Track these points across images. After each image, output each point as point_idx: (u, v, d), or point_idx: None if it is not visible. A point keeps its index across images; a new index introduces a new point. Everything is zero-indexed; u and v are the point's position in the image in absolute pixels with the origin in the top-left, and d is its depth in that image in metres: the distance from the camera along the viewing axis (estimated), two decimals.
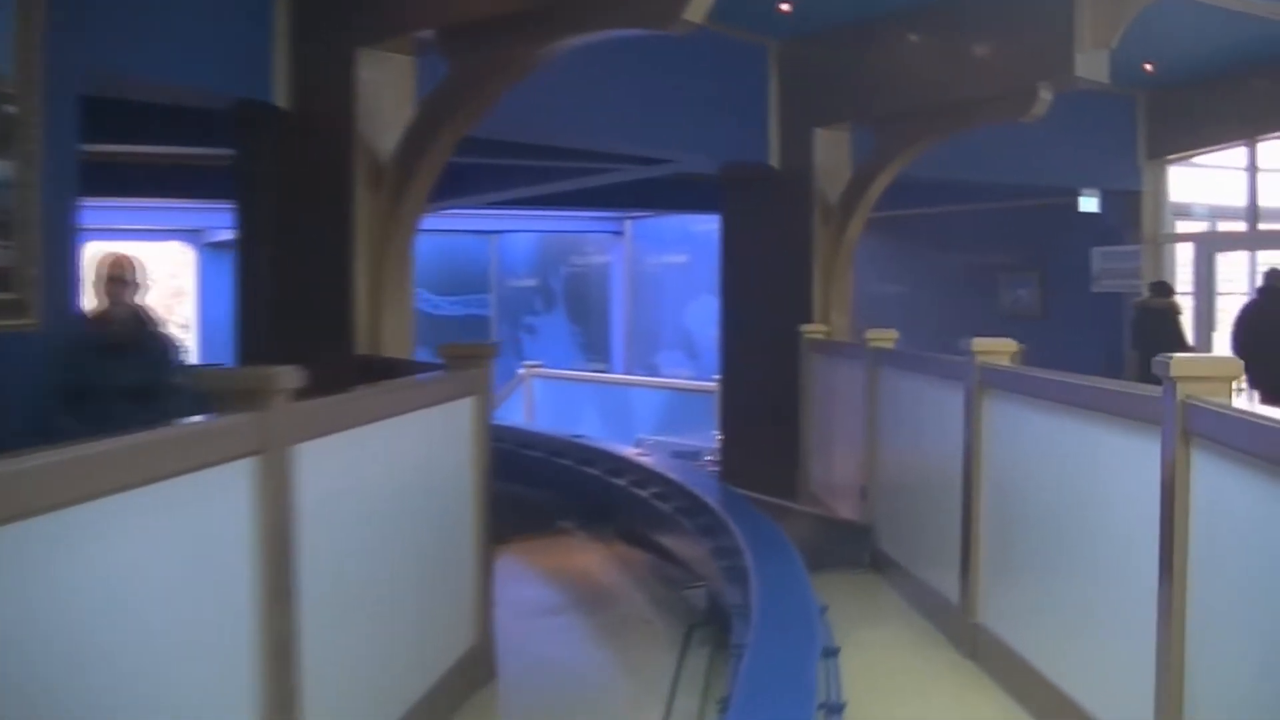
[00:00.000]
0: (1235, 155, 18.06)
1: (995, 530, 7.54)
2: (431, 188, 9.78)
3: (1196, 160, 18.20)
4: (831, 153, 13.78)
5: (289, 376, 4.53)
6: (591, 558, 10.96)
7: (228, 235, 25.33)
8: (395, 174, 9.54)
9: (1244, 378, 14.71)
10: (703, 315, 24.34)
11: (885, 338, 10.46)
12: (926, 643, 8.30)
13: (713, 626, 8.08)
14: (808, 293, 13.54)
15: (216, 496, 4.15)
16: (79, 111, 7.82)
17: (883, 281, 21.27)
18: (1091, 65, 11.06)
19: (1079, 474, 6.27)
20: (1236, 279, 18.48)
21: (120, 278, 7.63)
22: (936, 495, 8.54)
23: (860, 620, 8.67)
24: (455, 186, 17.90)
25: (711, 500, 9.27)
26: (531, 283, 30.47)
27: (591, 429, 22.56)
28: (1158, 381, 4.96)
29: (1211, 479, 4.71)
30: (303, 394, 4.77)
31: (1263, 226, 17.43)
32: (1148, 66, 16.07)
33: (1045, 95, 11.39)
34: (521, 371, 25.24)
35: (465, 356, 7.30)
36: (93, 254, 8.14)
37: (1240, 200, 18.24)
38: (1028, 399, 6.98)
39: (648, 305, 27.45)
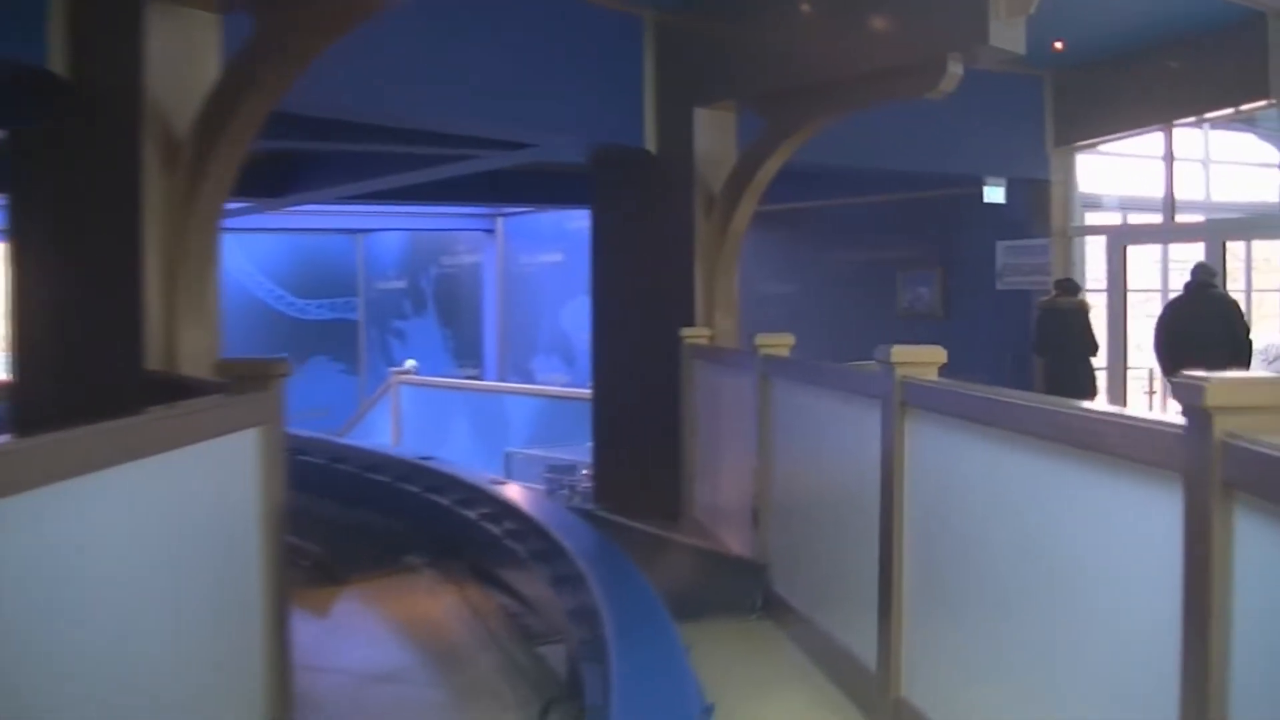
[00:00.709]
0: (1146, 143, 16.78)
1: (922, 578, 6.04)
2: (236, 167, 8.28)
3: (1108, 148, 16.84)
4: (714, 135, 12.33)
5: None
6: (438, 603, 9.38)
7: None
8: (193, 150, 7.97)
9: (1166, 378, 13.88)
10: (580, 318, 22.86)
11: (778, 344, 8.95)
12: (834, 716, 6.80)
13: (574, 703, 6.53)
14: (689, 292, 12.07)
15: None
16: None
17: (771, 281, 19.99)
18: (1007, 35, 9.59)
19: (1038, 516, 4.84)
20: (1149, 275, 17.26)
21: None
22: (847, 530, 7.11)
23: (750, 684, 7.22)
24: (307, 178, 16.45)
25: (570, 545, 7.72)
26: (400, 284, 29.42)
27: (462, 439, 21.90)
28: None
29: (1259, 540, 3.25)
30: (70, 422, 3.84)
31: (1180, 219, 16.10)
32: (1058, 44, 14.72)
33: (955, 69, 9.85)
34: (389, 378, 24.14)
35: (250, 376, 5.68)
36: None
37: (1152, 191, 17.00)
38: (966, 423, 5.48)
39: (522, 307, 26.08)
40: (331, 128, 12.31)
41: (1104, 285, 16.45)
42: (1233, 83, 14.49)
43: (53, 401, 8.15)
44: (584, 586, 6.85)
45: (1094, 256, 17.00)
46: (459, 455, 20.98)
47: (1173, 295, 14.56)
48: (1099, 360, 15.15)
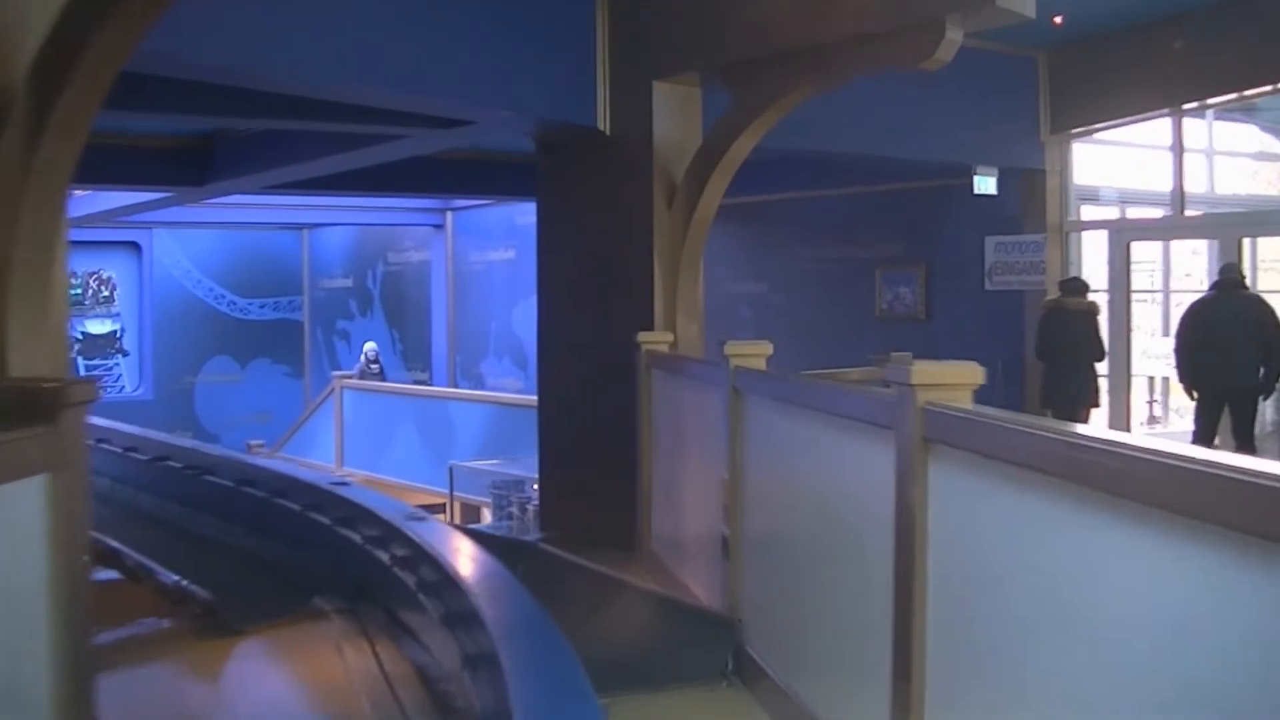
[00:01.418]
0: (1144, 131, 15.39)
1: (952, 647, 4.52)
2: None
3: (1107, 136, 15.41)
4: (676, 113, 10.85)
5: None
6: (340, 665, 7.83)
7: None
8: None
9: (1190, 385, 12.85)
10: (533, 319, 21.00)
11: (752, 353, 7.41)
12: None
13: None
14: (647, 292, 10.60)
15: None
16: None
17: (736, 280, 18.64)
18: None
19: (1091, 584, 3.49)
20: (1151, 275, 15.93)
21: None
22: (844, 580, 5.64)
23: None
24: (228, 164, 15.02)
25: (489, 613, 6.18)
26: (346, 283, 28.25)
27: (408, 449, 20.64)
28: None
29: None
30: None
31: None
32: (1056, 19, 13.31)
33: (954, 35, 8.33)
34: (332, 382, 23.04)
35: (32, 405, 4.13)
36: None
37: (1151, 183, 15.62)
38: (1008, 465, 3.99)
39: (472, 308, 24.59)
40: (244, 102, 10.81)
41: (1106, 285, 15.00)
42: (1245, 64, 13.10)
43: None
44: (497, 669, 5.32)
45: (1090, 254, 15.59)
46: (405, 466, 20.43)
47: (1197, 295, 13.29)
48: (1101, 367, 13.78)
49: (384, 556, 7.84)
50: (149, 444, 12.77)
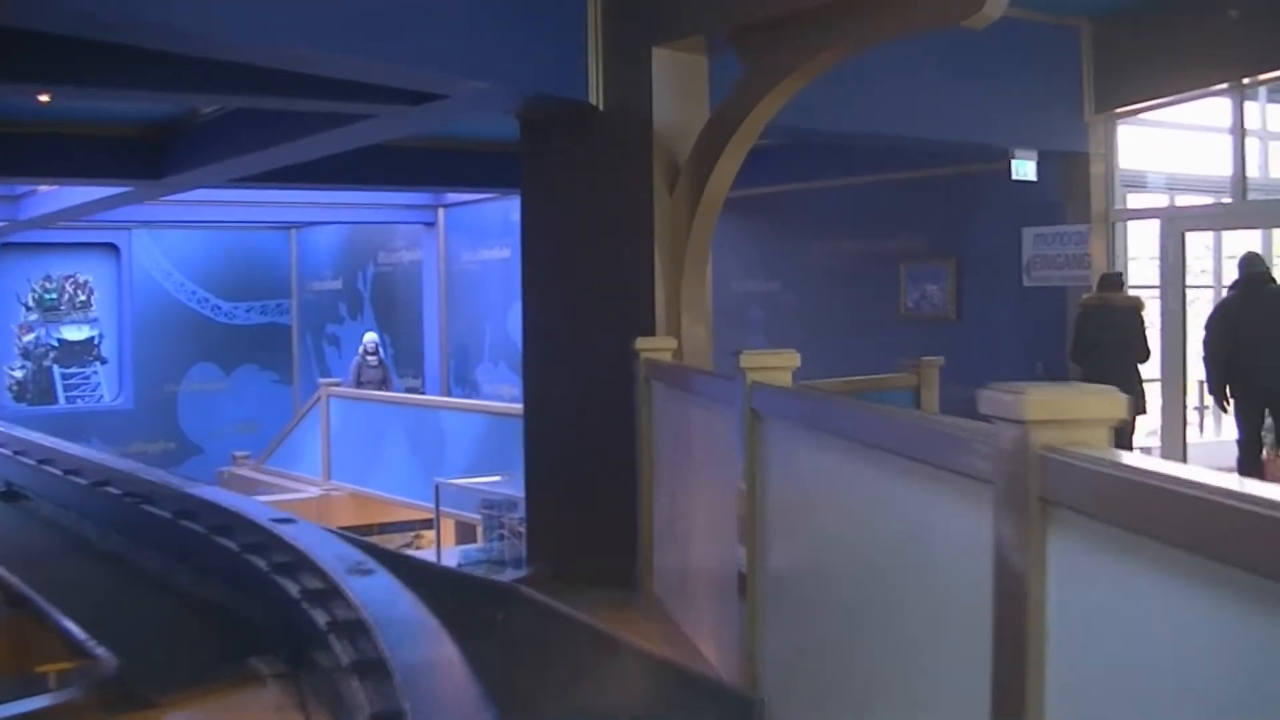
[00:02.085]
0: (1193, 111, 13.98)
1: None
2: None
3: (1154, 117, 13.96)
4: (679, 84, 9.38)
5: None
6: None
7: None
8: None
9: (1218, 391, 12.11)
10: None
11: (775, 365, 5.91)
12: None
13: None
14: (646, 291, 9.16)
15: None
16: None
17: (745, 278, 17.18)
18: None
19: None
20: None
21: None
22: (910, 663, 4.23)
23: None
24: (184, 154, 13.72)
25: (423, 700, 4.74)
26: (336, 285, 27.06)
27: (397, 462, 19.40)
28: None
29: None
30: None
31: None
32: None
33: None
34: (319, 390, 21.71)
35: None
36: None
37: (1204, 169, 14.22)
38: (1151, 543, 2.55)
39: (465, 310, 23.22)
40: (193, 75, 9.47)
41: (1159, 280, 13.59)
42: None
43: None
44: None
45: (1134, 247, 14.19)
46: (394, 480, 19.20)
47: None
48: (1147, 370, 12.49)
49: (321, 618, 6.43)
50: (90, 467, 11.58)
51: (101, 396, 26.88)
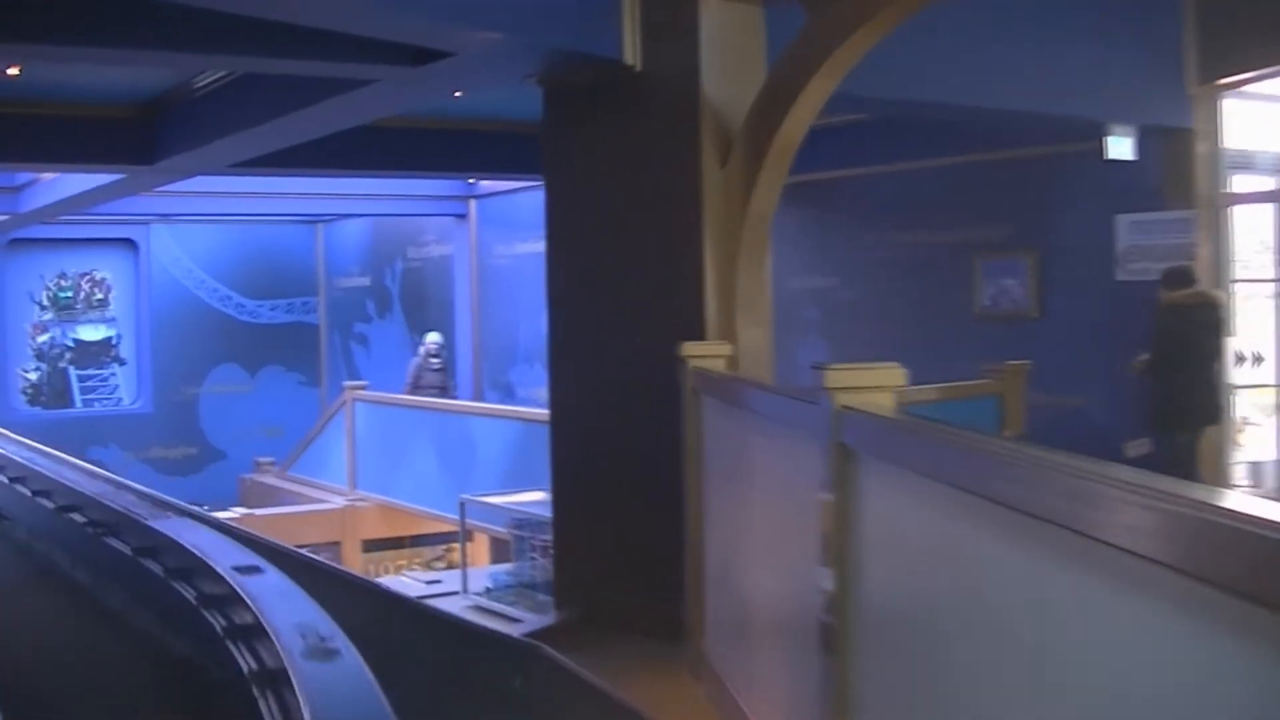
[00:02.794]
0: None
1: None
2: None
3: (1266, 88, 12.47)
4: (731, 40, 8.01)
5: None
6: None
7: None
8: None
9: None
10: None
11: (870, 383, 4.36)
12: None
13: None
14: (693, 285, 7.72)
15: None
16: None
17: (802, 273, 15.67)
18: None
19: None
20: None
21: None
22: None
23: None
24: (176, 134, 12.45)
25: None
26: (364, 281, 25.64)
27: (424, 472, 18.20)
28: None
29: None
30: None
31: None
32: None
33: None
34: (343, 394, 20.57)
35: None
36: None
37: None
38: None
39: (499, 307, 21.87)
40: (169, 29, 8.16)
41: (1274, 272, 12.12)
42: None
43: None
44: None
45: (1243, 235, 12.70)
46: (420, 490, 18.04)
47: None
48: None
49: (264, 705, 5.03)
50: (60, 489, 10.35)
51: (120, 399, 25.76)
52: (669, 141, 7.94)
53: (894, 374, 4.38)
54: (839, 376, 4.32)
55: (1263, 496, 3.17)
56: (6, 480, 11.89)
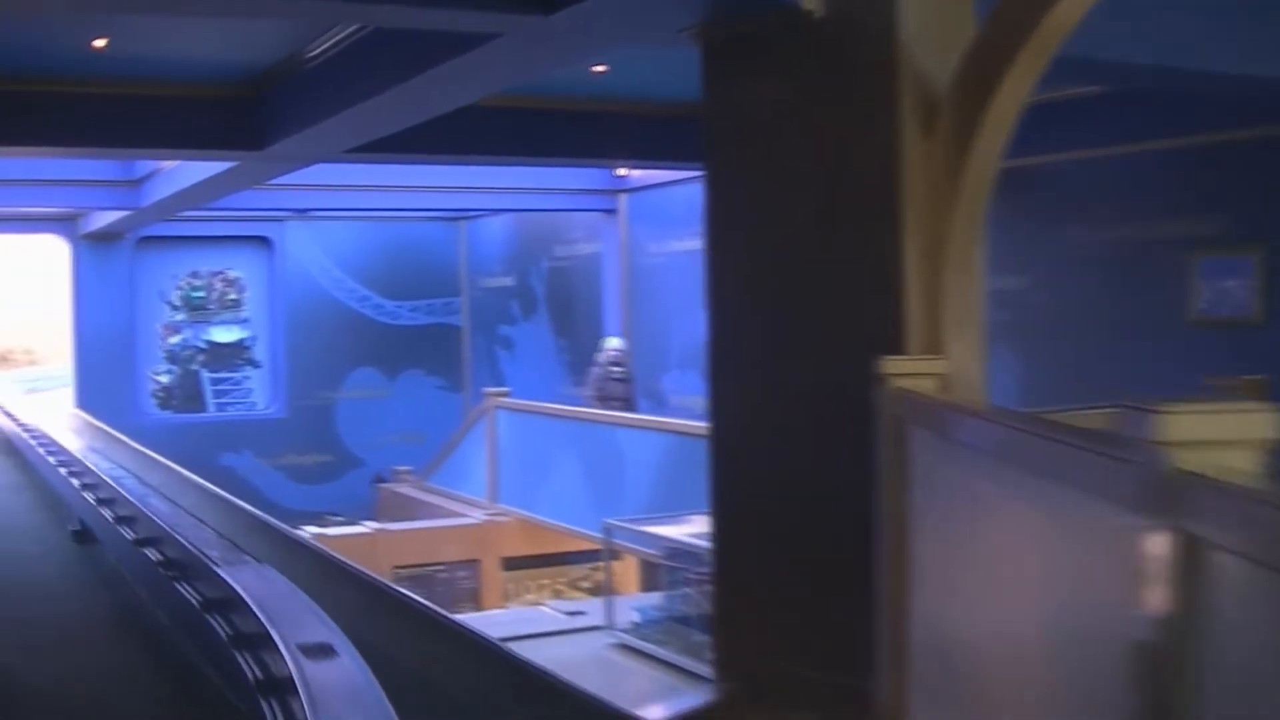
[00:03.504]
0: None
1: None
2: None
3: None
4: None
5: None
6: None
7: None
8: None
9: None
10: None
11: (1227, 433, 2.82)
12: None
13: None
14: (888, 283, 6.18)
15: None
16: None
17: (989, 272, 13.97)
18: None
19: None
20: None
21: None
22: None
23: None
24: (283, 113, 11.21)
25: None
26: (508, 281, 24.54)
27: (568, 485, 17.10)
28: None
29: None
30: None
31: None
32: None
33: None
34: (484, 401, 19.67)
35: None
36: None
37: None
38: None
39: (650, 309, 20.58)
40: None
41: None
42: None
43: None
44: None
45: None
46: (564, 507, 17.03)
47: None
48: None
49: None
50: (142, 519, 9.46)
51: (253, 404, 24.96)
52: (858, 106, 6.44)
53: (1259, 420, 2.80)
54: (1182, 424, 2.75)
55: None
56: (94, 501, 10.98)
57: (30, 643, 7.70)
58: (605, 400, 18.45)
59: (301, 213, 22.99)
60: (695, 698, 7.69)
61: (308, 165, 14.28)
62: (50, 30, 9.64)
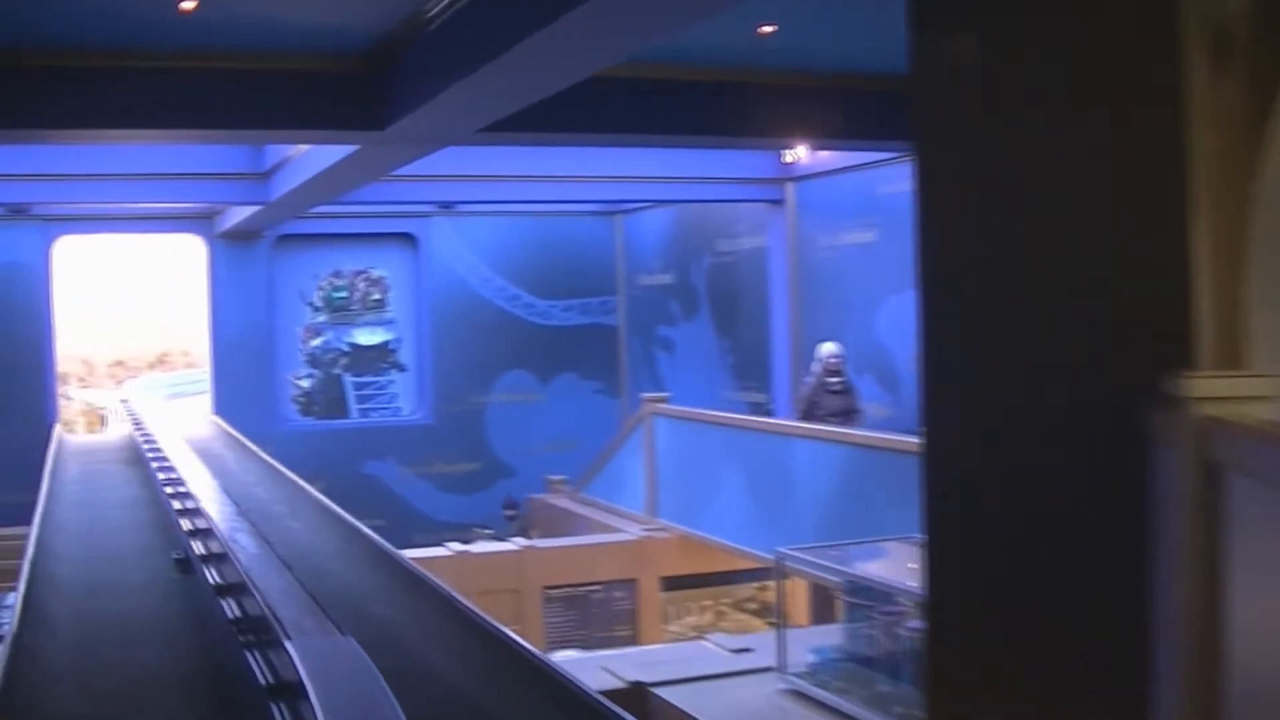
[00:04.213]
0: None
1: None
2: None
3: None
4: None
5: None
6: None
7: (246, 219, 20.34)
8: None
9: None
10: (902, 321, 16.43)
11: None
12: None
13: None
14: (1174, 280, 4.56)
15: None
16: None
17: None
18: None
19: None
20: None
21: None
22: None
23: None
24: (411, 90, 10.06)
25: None
26: (666, 279, 23.75)
27: (735, 500, 16.08)
28: None
29: None
30: None
31: None
32: None
33: None
34: (641, 408, 18.96)
35: None
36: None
37: None
38: None
39: (820, 308, 19.42)
40: None
41: None
42: None
43: None
44: None
45: None
46: (729, 524, 16.18)
47: None
48: None
49: None
50: (226, 565, 8.66)
51: (399, 409, 24.40)
52: (1119, 42, 4.88)
53: None
54: None
55: None
56: (189, 530, 10.02)
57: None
58: (819, 418, 16.58)
59: (446, 206, 22.47)
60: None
61: (437, 148, 13.07)
62: None
